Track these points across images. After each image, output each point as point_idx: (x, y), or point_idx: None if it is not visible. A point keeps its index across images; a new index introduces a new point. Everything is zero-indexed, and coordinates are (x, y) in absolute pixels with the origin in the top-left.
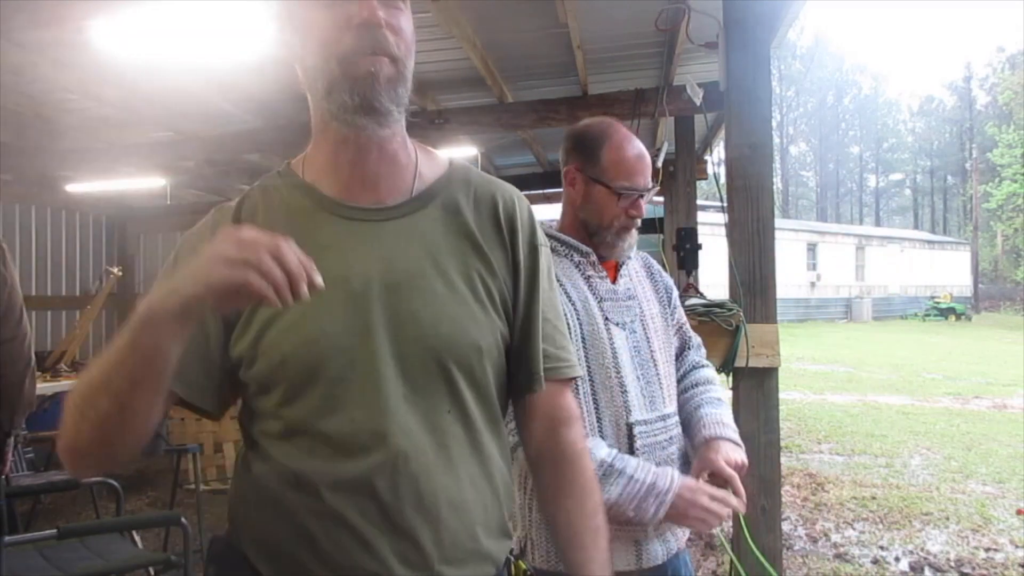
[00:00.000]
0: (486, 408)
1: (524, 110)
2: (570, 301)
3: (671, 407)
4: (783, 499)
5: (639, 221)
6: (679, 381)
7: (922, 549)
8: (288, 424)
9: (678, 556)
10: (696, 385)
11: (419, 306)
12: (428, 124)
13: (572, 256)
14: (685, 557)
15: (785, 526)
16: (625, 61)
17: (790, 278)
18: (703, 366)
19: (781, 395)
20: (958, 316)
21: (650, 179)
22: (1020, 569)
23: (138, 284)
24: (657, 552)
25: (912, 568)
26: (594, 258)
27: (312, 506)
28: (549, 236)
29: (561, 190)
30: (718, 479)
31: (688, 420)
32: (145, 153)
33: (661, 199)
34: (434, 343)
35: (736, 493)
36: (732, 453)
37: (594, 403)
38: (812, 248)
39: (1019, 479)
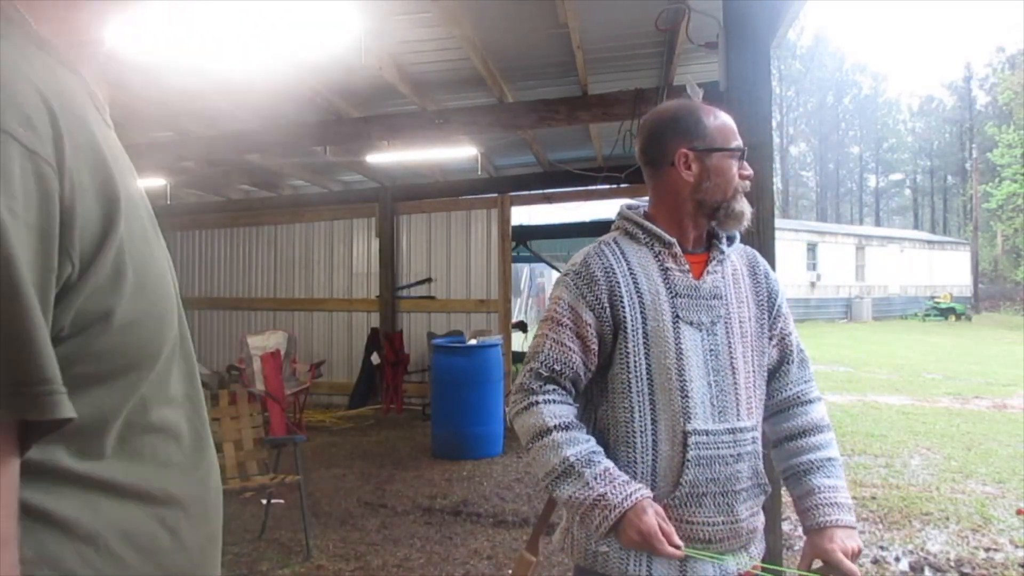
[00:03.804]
0: None
1: (524, 110)
2: (638, 293)
3: (748, 421)
4: (783, 499)
5: (749, 184)
6: (781, 411)
7: (922, 549)
8: None
9: None
10: (804, 434)
11: None
12: (428, 124)
13: (653, 245)
14: None
15: (785, 526)
16: (625, 61)
17: (790, 278)
18: (811, 400)
19: None
20: (958, 316)
21: None
22: (1020, 569)
23: None
24: (707, 572)
25: (912, 568)
26: (677, 250)
27: None
28: (633, 223)
29: (562, 190)
30: (832, 569)
31: (795, 481)
32: (145, 153)
33: None
34: None
35: None
36: (848, 541)
37: (651, 405)
38: (812, 248)
39: (1019, 479)
